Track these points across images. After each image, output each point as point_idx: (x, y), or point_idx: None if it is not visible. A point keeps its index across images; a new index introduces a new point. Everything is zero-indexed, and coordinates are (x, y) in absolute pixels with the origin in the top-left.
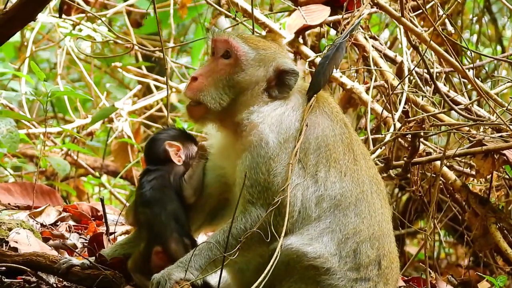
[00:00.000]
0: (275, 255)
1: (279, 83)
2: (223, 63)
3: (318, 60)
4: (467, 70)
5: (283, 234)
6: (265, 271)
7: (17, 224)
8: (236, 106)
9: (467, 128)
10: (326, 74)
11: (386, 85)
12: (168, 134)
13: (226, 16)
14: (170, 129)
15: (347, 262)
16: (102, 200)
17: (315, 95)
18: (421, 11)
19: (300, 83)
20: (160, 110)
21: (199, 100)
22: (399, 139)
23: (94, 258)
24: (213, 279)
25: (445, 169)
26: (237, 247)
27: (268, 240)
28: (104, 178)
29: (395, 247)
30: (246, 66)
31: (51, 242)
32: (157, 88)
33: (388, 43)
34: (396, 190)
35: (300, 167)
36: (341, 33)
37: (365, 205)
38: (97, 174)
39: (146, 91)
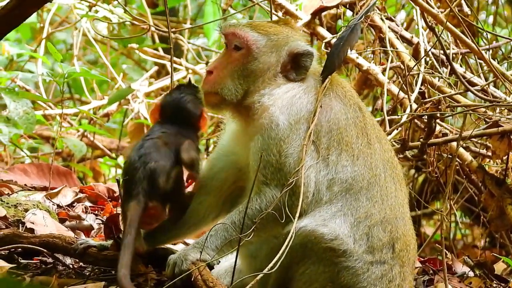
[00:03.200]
0: (289, 235)
1: (295, 66)
2: (236, 54)
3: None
4: (483, 51)
5: (297, 214)
6: (280, 251)
7: (34, 205)
8: (248, 93)
9: (483, 109)
10: (340, 55)
11: (402, 66)
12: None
13: None
14: (191, 88)
15: (361, 245)
16: (118, 181)
17: (329, 77)
18: None
19: (314, 66)
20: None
21: (216, 92)
22: (416, 120)
23: (112, 241)
24: (224, 262)
25: (461, 150)
26: (253, 227)
27: (283, 221)
28: (121, 159)
29: (410, 230)
30: (258, 54)
31: (67, 223)
32: (174, 69)
33: (405, 24)
34: (413, 171)
35: (313, 149)
36: (357, 14)
37: (377, 189)
38: (113, 155)
39: (164, 73)
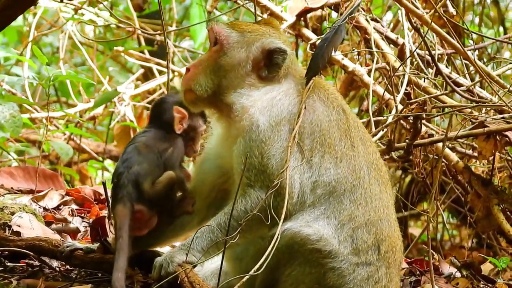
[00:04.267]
0: (275, 237)
1: (269, 64)
2: (212, 50)
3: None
4: (469, 52)
5: (283, 216)
6: (266, 253)
7: (20, 208)
8: (222, 89)
9: (469, 110)
10: (324, 56)
11: (388, 67)
12: (178, 99)
13: None
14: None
15: (346, 246)
16: (104, 184)
17: (313, 78)
18: None
19: (294, 68)
20: (162, 94)
21: (190, 89)
22: (401, 121)
23: (98, 244)
24: (210, 264)
25: (447, 150)
26: (239, 229)
27: (269, 222)
28: (108, 162)
29: (396, 231)
30: (228, 50)
31: (54, 226)
32: (160, 72)
33: (391, 25)
34: (399, 172)
35: (296, 150)
36: (342, 15)
37: (361, 191)
38: (100, 158)
39: (149, 75)
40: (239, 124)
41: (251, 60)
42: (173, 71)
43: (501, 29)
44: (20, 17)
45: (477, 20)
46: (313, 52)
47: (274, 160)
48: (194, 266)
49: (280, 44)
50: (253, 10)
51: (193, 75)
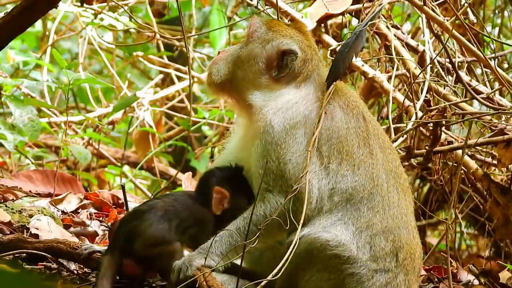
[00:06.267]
0: (293, 242)
1: (280, 64)
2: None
3: None
4: (489, 60)
5: (301, 221)
6: (284, 258)
7: (38, 211)
8: (237, 80)
9: (488, 117)
10: (345, 62)
11: (408, 74)
12: (222, 175)
13: (248, 4)
14: (228, 169)
15: (365, 253)
16: (123, 188)
17: (334, 83)
18: (443, 0)
19: (318, 73)
20: (181, 101)
21: (210, 72)
22: (421, 128)
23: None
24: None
25: (466, 158)
26: (258, 234)
27: (288, 227)
28: (126, 168)
29: (416, 239)
30: (249, 42)
31: (72, 229)
32: (179, 78)
33: (410, 34)
34: (417, 181)
35: (314, 156)
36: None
37: (379, 199)
38: (118, 164)
39: (169, 81)
40: (256, 125)
41: (265, 58)
42: (192, 77)
43: None
44: (40, 23)
45: (496, 32)
46: (333, 57)
47: (291, 165)
48: (213, 270)
49: (293, 46)
50: (274, 16)
51: (217, 59)
